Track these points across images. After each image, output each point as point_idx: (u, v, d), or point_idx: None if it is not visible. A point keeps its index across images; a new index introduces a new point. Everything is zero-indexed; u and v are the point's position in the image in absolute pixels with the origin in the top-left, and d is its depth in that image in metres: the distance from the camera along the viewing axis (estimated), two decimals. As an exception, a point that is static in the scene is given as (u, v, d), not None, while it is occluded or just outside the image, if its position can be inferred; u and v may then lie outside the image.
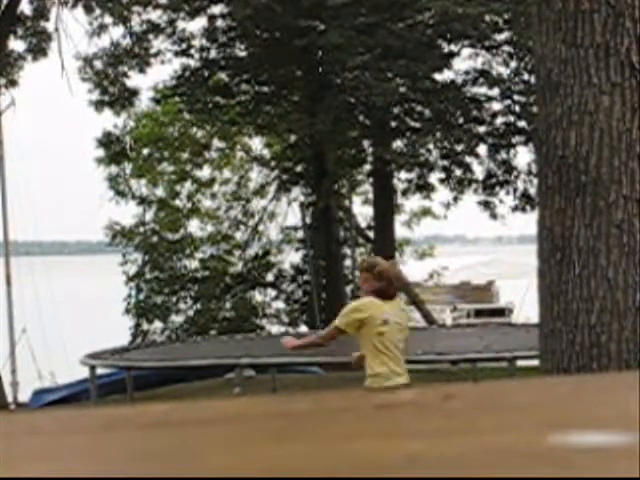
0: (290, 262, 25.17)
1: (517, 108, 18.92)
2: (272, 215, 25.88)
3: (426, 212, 26.43)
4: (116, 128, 25.33)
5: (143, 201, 26.09)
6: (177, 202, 26.52)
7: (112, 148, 25.41)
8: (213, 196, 26.88)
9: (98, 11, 20.31)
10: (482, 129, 19.20)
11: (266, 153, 26.53)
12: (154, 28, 19.97)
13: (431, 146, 19.59)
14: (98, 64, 20.80)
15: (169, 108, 23.96)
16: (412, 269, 25.99)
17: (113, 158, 25.68)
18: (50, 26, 20.22)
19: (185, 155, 26.40)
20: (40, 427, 1.02)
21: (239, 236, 26.34)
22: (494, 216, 19.98)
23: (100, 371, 14.13)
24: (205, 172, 26.85)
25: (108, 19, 20.37)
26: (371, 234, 23.03)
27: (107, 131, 25.12)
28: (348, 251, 24.01)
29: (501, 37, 18.68)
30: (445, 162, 19.57)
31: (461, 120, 18.91)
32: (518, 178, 19.57)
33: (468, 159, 19.58)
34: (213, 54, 19.55)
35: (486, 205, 19.86)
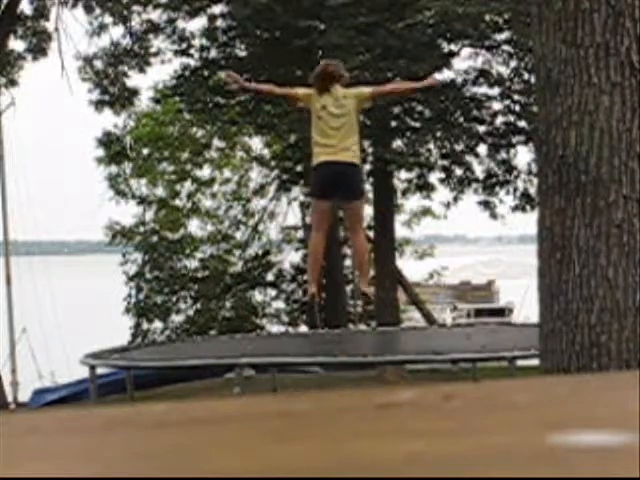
0: (290, 262, 25.18)
1: (517, 108, 18.91)
2: (272, 215, 25.90)
3: (426, 212, 26.44)
4: (116, 128, 25.36)
5: (143, 201, 26.09)
6: (177, 202, 26.52)
7: (112, 148, 25.41)
8: (213, 196, 26.88)
9: (98, 11, 20.31)
10: (482, 129, 19.19)
11: (266, 153, 26.53)
12: (154, 28, 19.96)
13: (431, 146, 19.58)
14: (98, 64, 20.80)
15: (169, 108, 23.96)
16: (412, 269, 26.00)
17: (113, 158, 25.69)
18: (50, 26, 20.24)
19: (185, 155, 26.40)
20: (40, 427, 1.02)
21: (239, 236, 26.35)
22: (494, 216, 19.98)
23: (100, 371, 14.13)
24: (205, 172, 26.88)
25: (108, 19, 20.39)
26: (371, 234, 23.03)
27: (107, 131, 25.14)
28: (348, 251, 24.02)
29: (501, 37, 18.67)
30: (445, 162, 19.57)
31: (461, 120, 18.91)
32: (518, 178, 19.57)
33: (468, 159, 19.57)
34: (213, 54, 19.53)
35: (486, 205, 19.86)
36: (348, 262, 23.97)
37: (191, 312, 24.31)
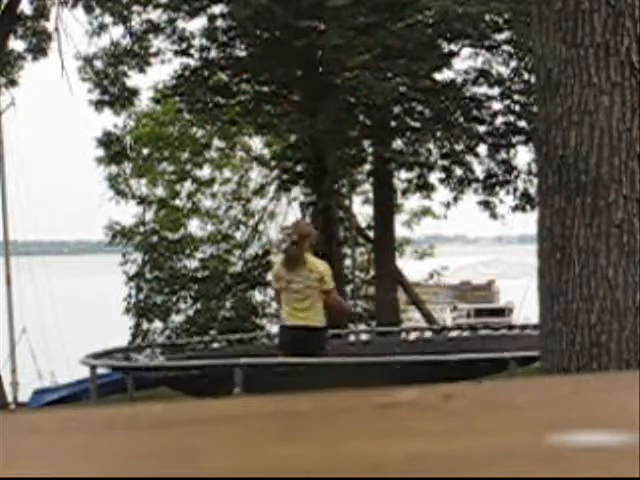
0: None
1: (517, 108, 18.91)
2: (272, 215, 25.88)
3: (426, 212, 26.44)
4: (116, 128, 25.36)
5: (143, 201, 26.08)
6: (177, 202, 26.51)
7: (112, 148, 25.41)
8: (213, 196, 26.87)
9: (98, 11, 20.31)
10: (482, 129, 19.20)
11: (266, 153, 26.52)
12: (154, 28, 19.96)
13: (431, 146, 19.59)
14: (98, 64, 20.80)
15: (169, 108, 23.95)
16: (412, 269, 26.00)
17: (113, 158, 25.68)
18: (50, 26, 20.24)
19: (185, 155, 26.39)
20: (40, 427, 1.02)
21: (239, 236, 26.33)
22: (494, 216, 19.98)
23: (100, 371, 14.13)
24: (205, 172, 26.87)
25: (108, 19, 20.38)
26: (371, 234, 23.03)
27: (107, 131, 25.13)
28: (348, 251, 24.01)
29: (501, 37, 18.68)
30: (445, 162, 19.57)
31: (461, 120, 18.91)
32: (518, 178, 19.58)
33: (468, 159, 19.58)
34: (213, 54, 19.53)
35: (486, 205, 19.86)
36: (348, 262, 23.97)
37: (191, 312, 24.29)
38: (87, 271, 66.55)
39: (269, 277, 25.19)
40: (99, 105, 21.09)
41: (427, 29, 17.60)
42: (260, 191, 26.16)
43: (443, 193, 20.50)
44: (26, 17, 19.98)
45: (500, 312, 30.09)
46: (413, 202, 25.20)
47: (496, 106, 19.13)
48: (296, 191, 23.75)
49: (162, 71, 24.14)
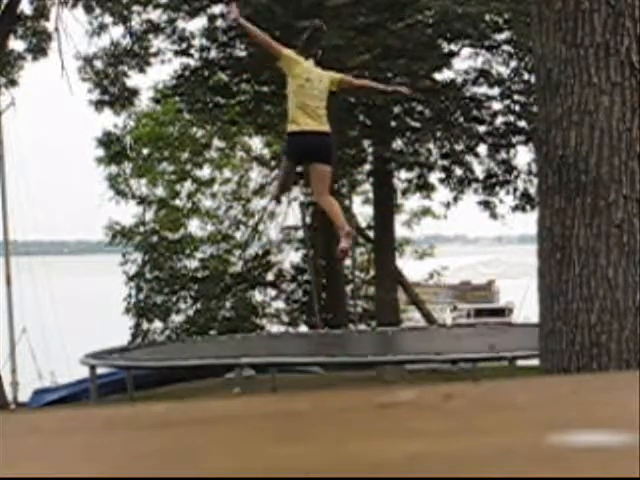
0: (290, 262, 25.17)
1: (517, 108, 18.91)
2: (272, 215, 25.89)
3: (426, 212, 26.45)
4: (116, 128, 25.38)
5: (143, 201, 26.09)
6: (177, 202, 26.52)
7: (112, 148, 25.42)
8: (213, 196, 26.88)
9: (98, 11, 20.31)
10: (482, 129, 19.19)
11: (266, 153, 26.54)
12: (154, 28, 19.96)
13: (431, 146, 19.59)
14: (98, 64, 20.80)
15: (169, 108, 23.96)
16: (412, 269, 26.00)
17: (113, 158, 25.69)
18: (50, 26, 20.24)
19: (185, 155, 26.40)
20: (40, 427, 1.02)
21: (239, 236, 26.35)
22: (494, 216, 19.98)
23: (100, 371, 14.13)
24: (205, 172, 26.89)
25: (108, 19, 20.38)
26: (371, 234, 23.03)
27: (107, 131, 25.16)
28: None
29: (501, 37, 18.67)
30: (445, 162, 19.57)
31: (461, 120, 18.91)
32: (518, 178, 19.57)
33: (468, 159, 19.57)
34: (213, 54, 19.53)
35: (486, 205, 19.86)
36: (348, 262, 23.96)
37: (191, 312, 24.30)
38: (87, 271, 66.53)
39: (269, 277, 25.22)
40: (99, 105, 21.09)
41: (427, 29, 17.59)
42: (260, 191, 26.17)
43: (443, 193, 20.51)
44: (26, 17, 19.98)
45: (500, 312, 30.07)
46: (413, 202, 25.23)
47: (496, 106, 19.13)
48: (296, 191, 23.75)
49: (162, 71, 24.23)
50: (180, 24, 19.47)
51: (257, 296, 25.12)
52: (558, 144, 4.87)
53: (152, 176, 26.17)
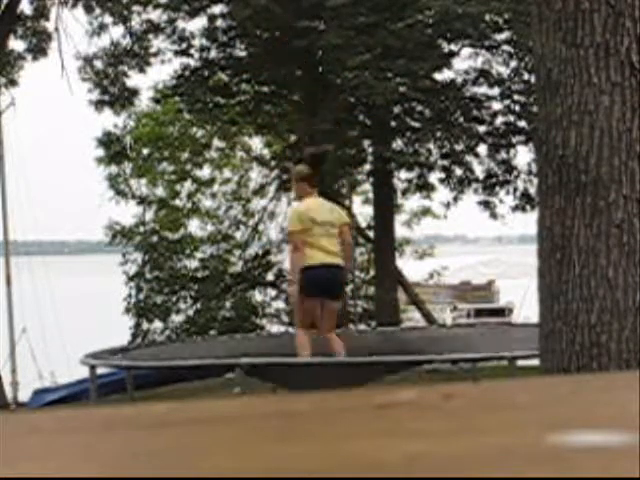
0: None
1: (517, 108, 18.91)
2: (272, 215, 25.88)
3: (426, 212, 26.44)
4: (116, 128, 25.37)
5: (143, 201, 26.09)
6: (177, 202, 26.52)
7: (112, 148, 25.42)
8: (213, 196, 26.87)
9: (98, 11, 20.31)
10: (482, 129, 19.19)
11: (266, 153, 26.53)
12: (154, 28, 19.96)
13: (431, 146, 19.59)
14: (98, 64, 20.80)
15: (169, 108, 23.96)
16: (412, 269, 26.00)
17: (113, 158, 25.69)
18: (50, 26, 20.24)
19: (185, 155, 26.40)
20: (40, 427, 1.02)
21: (239, 236, 26.34)
22: (494, 216, 19.98)
23: (100, 371, 14.12)
24: (205, 172, 26.88)
25: (108, 19, 20.39)
26: (371, 234, 23.03)
27: (107, 131, 25.15)
28: (348, 251, 23.98)
29: (501, 37, 18.67)
30: (445, 162, 19.57)
31: (461, 120, 18.91)
32: (518, 178, 19.57)
33: (468, 159, 19.57)
34: (213, 54, 19.53)
35: (486, 205, 19.86)
36: (348, 262, 23.93)
37: (191, 312, 24.30)
38: (87, 271, 66.52)
39: (269, 277, 25.23)
40: (99, 105, 21.09)
41: (427, 29, 17.59)
42: (260, 191, 26.16)
43: (443, 193, 20.51)
44: (26, 17, 19.98)
45: (500, 312, 30.05)
46: (413, 202, 25.21)
47: (496, 106, 19.13)
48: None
49: (162, 71, 24.21)
50: (180, 24, 19.49)
51: (257, 296, 25.12)
52: (558, 144, 4.87)
53: (152, 176, 26.16)
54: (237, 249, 26.05)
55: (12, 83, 20.68)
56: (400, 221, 25.26)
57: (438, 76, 18.56)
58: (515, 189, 19.56)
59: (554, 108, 4.89)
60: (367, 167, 21.42)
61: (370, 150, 20.06)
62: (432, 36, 17.68)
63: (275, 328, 23.64)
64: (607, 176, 4.76)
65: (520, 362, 12.08)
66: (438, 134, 18.98)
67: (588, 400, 1.04)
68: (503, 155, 19.63)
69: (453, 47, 18.71)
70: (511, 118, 19.07)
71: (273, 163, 25.18)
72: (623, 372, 4.30)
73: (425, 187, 20.40)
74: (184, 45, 19.45)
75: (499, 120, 19.19)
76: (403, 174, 20.43)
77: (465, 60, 19.09)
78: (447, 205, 20.42)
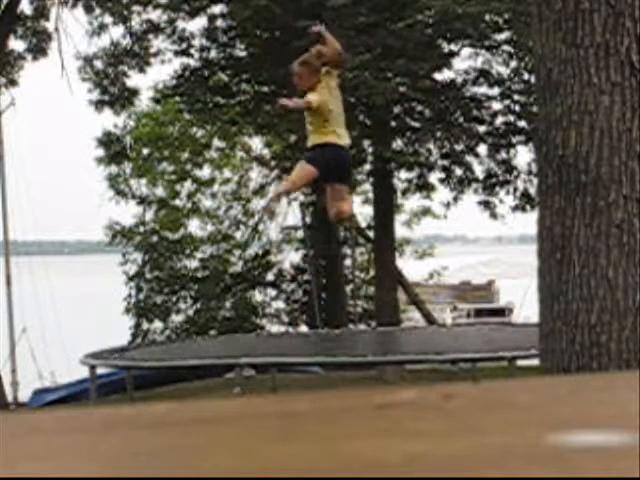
0: (290, 262, 25.18)
1: (517, 108, 18.91)
2: (272, 215, 25.86)
3: (426, 212, 26.44)
4: (116, 128, 25.38)
5: (143, 201, 26.09)
6: (177, 202, 26.53)
7: (112, 148, 25.43)
8: (213, 196, 26.88)
9: (98, 11, 20.31)
10: (482, 129, 19.19)
11: (266, 153, 26.53)
12: (154, 28, 19.96)
13: (431, 146, 19.58)
14: (98, 64, 20.80)
15: (169, 108, 23.96)
16: (412, 269, 26.01)
17: (113, 158, 25.70)
18: (50, 26, 20.25)
19: (185, 155, 26.41)
20: (40, 427, 1.02)
21: (239, 236, 26.35)
22: (494, 216, 19.97)
23: (100, 371, 14.13)
24: (205, 172, 26.89)
25: (108, 19, 20.39)
26: (371, 234, 23.03)
27: (107, 131, 25.16)
28: (348, 251, 24.01)
29: (501, 37, 18.66)
30: (445, 162, 19.56)
31: (461, 120, 18.90)
32: (518, 178, 19.57)
33: (468, 159, 19.57)
34: (213, 54, 19.53)
35: (486, 205, 19.85)
36: (348, 262, 23.98)
37: (191, 312, 24.31)
38: (87, 271, 66.52)
39: (269, 277, 25.24)
40: (99, 105, 21.09)
41: (427, 29, 17.59)
42: (260, 191, 26.17)
43: (443, 193, 20.50)
44: (26, 17, 19.98)
45: (500, 312, 30.06)
46: (413, 202, 25.22)
47: (496, 106, 19.12)
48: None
49: (162, 71, 24.21)
50: (180, 24, 19.48)
51: (257, 296, 25.13)
52: (558, 144, 4.87)
53: (152, 176, 26.17)
54: (237, 249, 26.06)
55: (12, 83, 20.69)
56: (400, 221, 25.29)
57: (438, 76, 18.56)
58: (515, 189, 19.56)
59: (554, 108, 4.89)
60: (367, 167, 21.41)
61: (370, 150, 20.05)
62: (432, 36, 17.68)
63: (275, 328, 23.65)
64: (607, 176, 4.76)
65: (520, 362, 12.09)
66: (438, 134, 18.97)
67: (588, 400, 1.04)
68: (503, 155, 19.62)
69: (453, 47, 18.70)
70: (511, 118, 19.06)
71: (273, 163, 25.18)
72: (623, 372, 4.29)
73: (425, 187, 20.39)
74: (184, 45, 19.45)
75: (499, 120, 19.18)
76: (403, 174, 20.42)
77: (465, 60, 19.09)
78: (447, 205, 20.42)
